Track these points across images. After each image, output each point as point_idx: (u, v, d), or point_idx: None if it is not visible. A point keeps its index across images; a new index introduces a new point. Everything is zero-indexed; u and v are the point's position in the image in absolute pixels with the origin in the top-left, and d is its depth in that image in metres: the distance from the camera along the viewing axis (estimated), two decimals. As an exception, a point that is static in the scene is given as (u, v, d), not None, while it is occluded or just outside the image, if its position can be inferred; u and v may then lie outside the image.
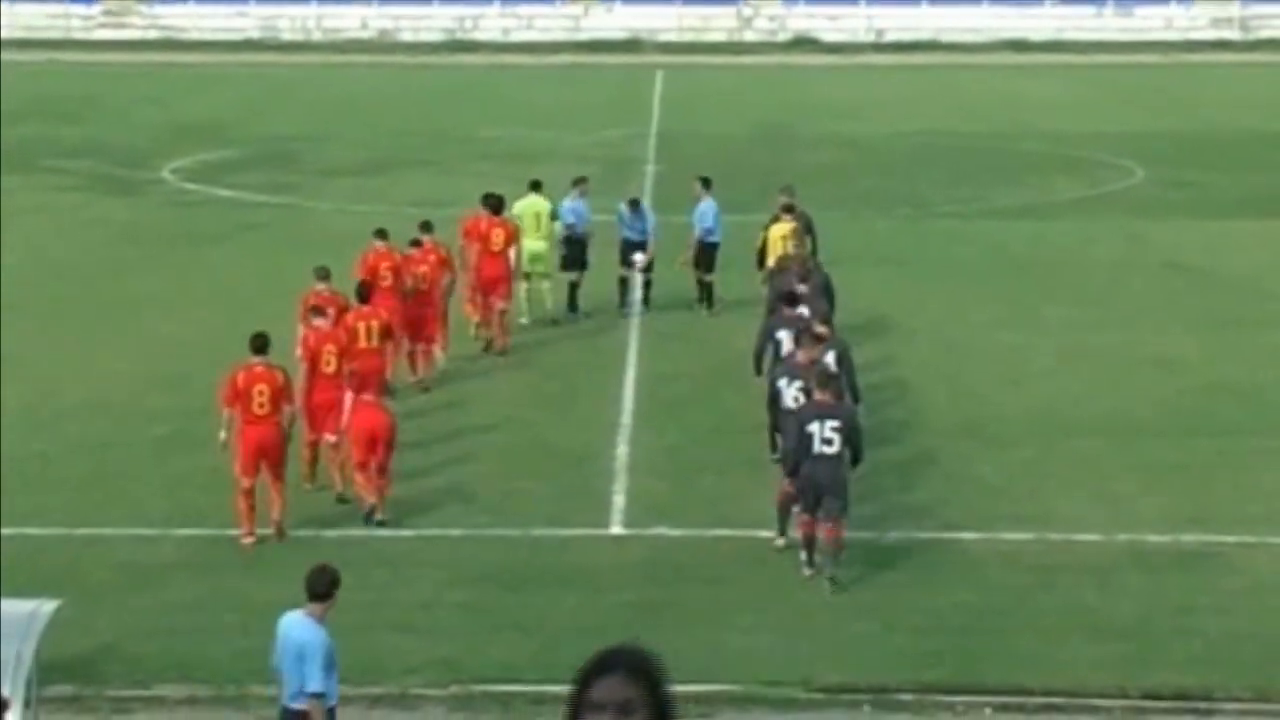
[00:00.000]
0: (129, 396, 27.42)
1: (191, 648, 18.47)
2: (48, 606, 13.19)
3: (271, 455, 21.77)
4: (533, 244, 31.67)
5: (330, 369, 23.45)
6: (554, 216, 32.16)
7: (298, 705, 14.61)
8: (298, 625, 14.73)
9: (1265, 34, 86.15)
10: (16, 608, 13.14)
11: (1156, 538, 21.77)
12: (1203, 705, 17.42)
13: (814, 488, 20.22)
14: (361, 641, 18.61)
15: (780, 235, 30.15)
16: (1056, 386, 28.24)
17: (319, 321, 24.17)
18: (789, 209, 31.15)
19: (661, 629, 18.47)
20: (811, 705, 17.55)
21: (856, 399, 22.66)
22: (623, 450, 25.00)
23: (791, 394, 21.46)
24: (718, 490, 23.34)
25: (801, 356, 21.95)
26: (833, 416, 20.24)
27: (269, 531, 21.63)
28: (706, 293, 32.95)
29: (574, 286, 32.51)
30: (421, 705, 17.54)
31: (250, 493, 21.63)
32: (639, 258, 32.47)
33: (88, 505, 22.74)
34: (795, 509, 20.77)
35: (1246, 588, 20.30)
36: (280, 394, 21.94)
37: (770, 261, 29.78)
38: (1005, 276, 36.10)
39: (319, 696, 14.56)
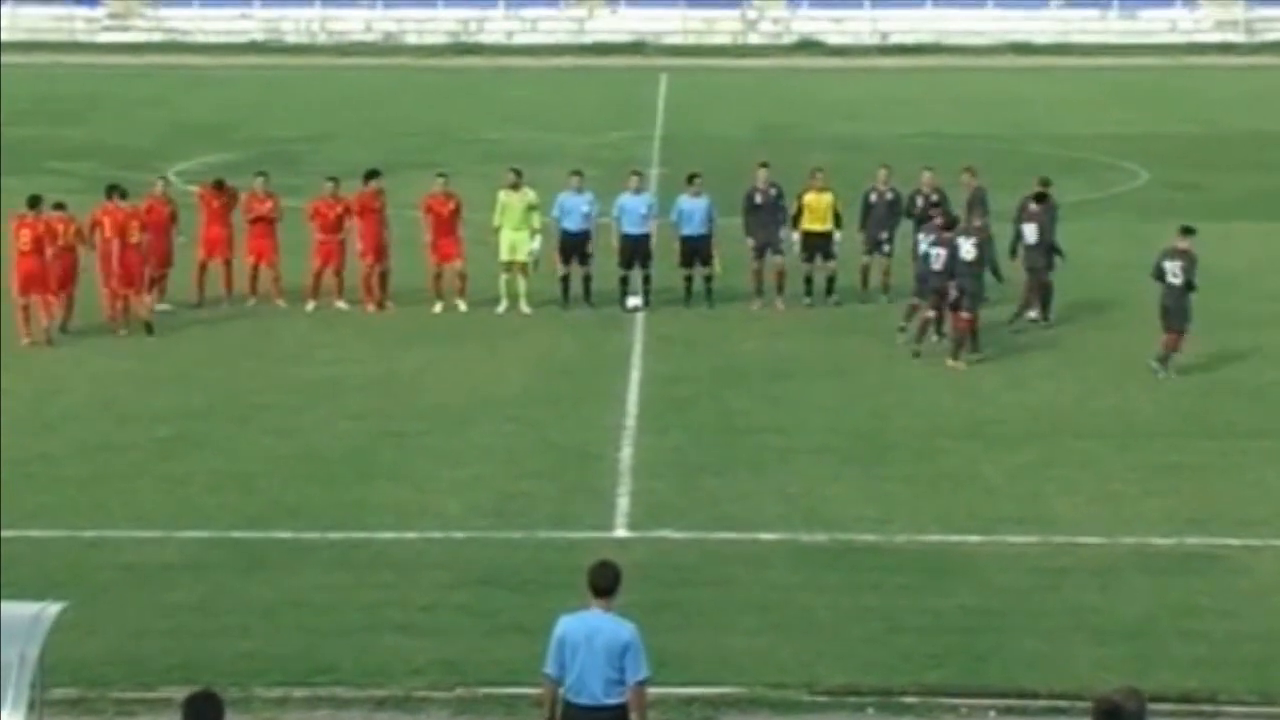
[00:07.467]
0: (132, 397, 27.42)
1: (195, 649, 18.45)
2: (52, 609, 13.15)
3: (36, 284, 29.66)
4: (514, 235, 32.67)
5: (134, 240, 30.85)
6: (532, 207, 32.88)
7: (612, 700, 14.27)
8: (606, 624, 14.43)
9: (1270, 37, 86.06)
10: (21, 610, 13.10)
11: (1160, 539, 21.74)
12: (1207, 708, 17.39)
13: (1164, 311, 28.65)
14: (365, 644, 18.63)
15: (812, 203, 33.54)
16: (1059, 387, 28.23)
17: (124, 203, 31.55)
18: (819, 170, 34.55)
19: (665, 631, 18.43)
20: (815, 707, 17.53)
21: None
22: (627, 452, 24.98)
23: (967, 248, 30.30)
24: (722, 492, 23.31)
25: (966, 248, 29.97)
26: (1182, 257, 28.40)
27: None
28: (706, 288, 33.14)
29: (564, 280, 33.05)
30: (426, 708, 17.52)
31: (25, 309, 29.78)
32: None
33: (90, 506, 22.71)
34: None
35: (1251, 590, 20.26)
36: (42, 239, 29.56)
37: (803, 224, 33.38)
38: (1007, 277, 36.01)
39: (645, 682, 14.36)
